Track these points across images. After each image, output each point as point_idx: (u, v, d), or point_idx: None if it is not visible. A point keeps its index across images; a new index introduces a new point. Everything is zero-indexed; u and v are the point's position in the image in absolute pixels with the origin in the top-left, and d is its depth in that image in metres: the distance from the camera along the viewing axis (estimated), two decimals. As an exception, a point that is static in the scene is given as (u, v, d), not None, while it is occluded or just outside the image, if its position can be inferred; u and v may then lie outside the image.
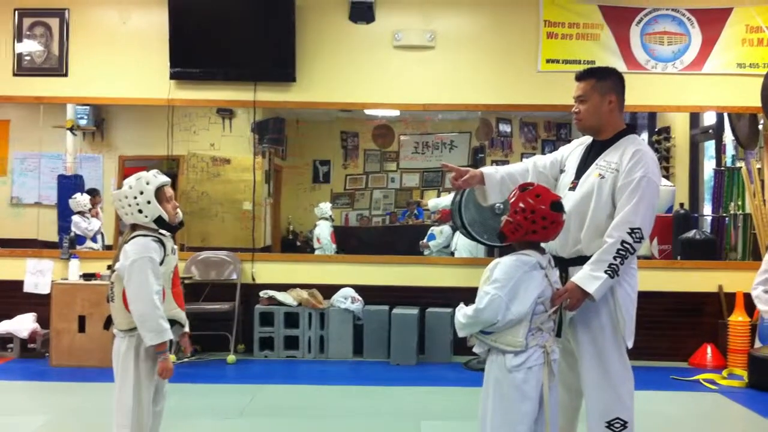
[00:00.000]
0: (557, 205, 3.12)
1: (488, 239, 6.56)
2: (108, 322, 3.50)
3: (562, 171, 3.69)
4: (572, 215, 3.40)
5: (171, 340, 3.42)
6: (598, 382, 3.44)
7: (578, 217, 3.44)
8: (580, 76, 3.63)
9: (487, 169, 3.68)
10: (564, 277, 3.40)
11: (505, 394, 3.06)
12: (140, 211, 3.38)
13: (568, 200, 3.44)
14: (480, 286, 3.13)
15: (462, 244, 7.99)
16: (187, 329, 3.61)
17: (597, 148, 3.57)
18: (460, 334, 3.19)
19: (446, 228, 8.39)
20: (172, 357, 3.42)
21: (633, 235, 3.29)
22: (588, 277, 3.29)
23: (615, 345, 3.44)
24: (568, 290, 3.27)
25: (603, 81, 3.58)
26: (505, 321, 3.01)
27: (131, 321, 3.35)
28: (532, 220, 3.05)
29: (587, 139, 3.69)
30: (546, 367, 3.07)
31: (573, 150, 3.72)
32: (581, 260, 3.41)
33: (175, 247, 3.54)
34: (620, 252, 3.28)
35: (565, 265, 3.46)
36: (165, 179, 3.47)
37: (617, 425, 3.42)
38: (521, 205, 3.08)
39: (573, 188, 3.52)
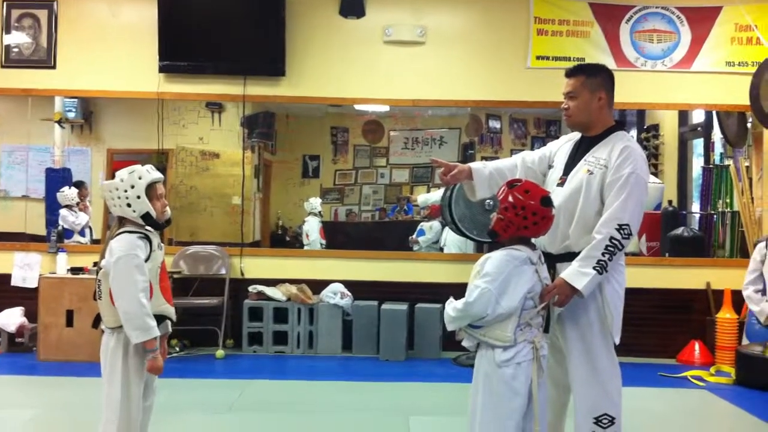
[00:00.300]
0: (547, 200, 3.14)
1: (478, 235, 6.56)
2: (96, 321, 3.48)
3: (550, 167, 3.71)
4: (561, 211, 3.42)
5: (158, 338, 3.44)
6: (586, 379, 3.46)
7: (567, 213, 3.45)
8: (570, 73, 3.64)
9: (475, 165, 3.70)
10: (552, 273, 3.41)
11: (495, 390, 3.07)
12: (128, 205, 3.35)
13: (557, 196, 3.44)
14: (470, 280, 3.14)
15: (451, 240, 7.99)
16: (169, 329, 3.57)
17: (586, 144, 3.59)
18: (449, 327, 3.21)
19: (435, 223, 8.39)
20: (161, 352, 3.41)
21: (621, 231, 3.31)
22: (576, 273, 3.31)
23: (603, 341, 3.45)
24: (557, 286, 3.29)
25: (593, 78, 3.59)
26: (495, 315, 3.02)
27: (119, 318, 3.33)
28: (522, 216, 3.07)
29: (576, 135, 3.70)
30: (535, 363, 3.08)
31: (562, 146, 3.73)
32: (570, 256, 3.42)
33: (162, 243, 3.52)
34: (609, 248, 3.29)
35: (553, 261, 3.47)
36: (158, 176, 3.44)
37: (605, 421, 3.44)
38: (511, 200, 3.09)
39: (561, 184, 3.54)
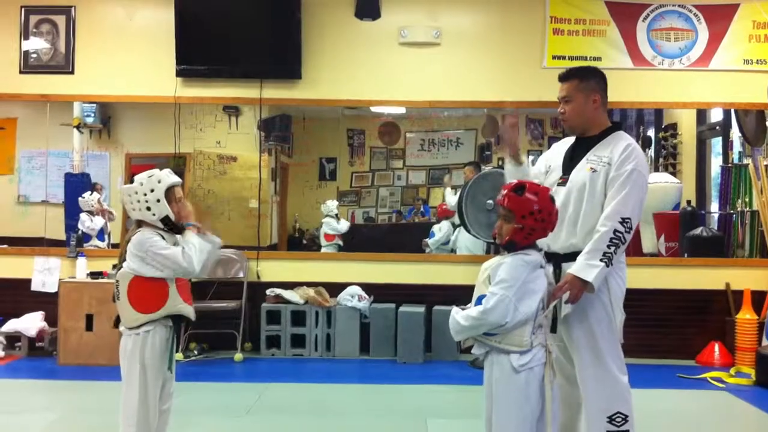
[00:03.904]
0: (552, 198, 3.16)
1: (484, 236, 6.64)
2: (117, 321, 3.52)
3: (546, 172, 3.77)
4: (565, 209, 3.47)
5: (175, 340, 3.49)
6: (596, 378, 3.48)
7: (572, 211, 3.51)
8: (564, 77, 3.73)
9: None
10: (557, 273, 3.46)
11: (510, 396, 3.04)
12: (148, 209, 3.41)
13: (559, 195, 3.51)
14: (478, 286, 3.10)
15: (462, 241, 7.99)
16: (193, 316, 3.63)
17: (584, 144, 3.67)
18: (458, 337, 3.16)
19: (445, 224, 8.39)
20: (179, 356, 3.45)
21: (624, 224, 3.38)
22: (585, 267, 3.35)
23: (611, 340, 3.50)
24: (568, 282, 3.33)
25: (586, 81, 3.68)
26: (515, 322, 2.99)
27: (137, 318, 3.39)
28: (541, 219, 3.06)
29: (569, 140, 3.79)
30: (548, 367, 3.07)
31: (556, 151, 3.81)
32: (576, 255, 3.46)
33: (178, 241, 3.54)
34: (613, 241, 3.36)
35: (559, 260, 3.51)
36: (177, 179, 3.50)
37: (618, 419, 3.46)
38: (528, 207, 3.04)
39: (563, 183, 3.60)
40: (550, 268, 3.28)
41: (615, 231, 3.35)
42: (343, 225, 8.70)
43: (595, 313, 3.45)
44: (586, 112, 3.63)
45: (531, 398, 3.03)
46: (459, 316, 3.08)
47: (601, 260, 3.33)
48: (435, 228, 8.53)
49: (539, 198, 3.07)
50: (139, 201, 3.41)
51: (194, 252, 3.39)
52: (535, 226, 3.05)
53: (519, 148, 3.66)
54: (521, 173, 3.66)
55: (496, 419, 3.07)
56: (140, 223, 3.48)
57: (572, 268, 3.36)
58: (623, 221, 3.37)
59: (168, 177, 3.46)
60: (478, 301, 3.03)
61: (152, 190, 3.41)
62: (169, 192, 3.45)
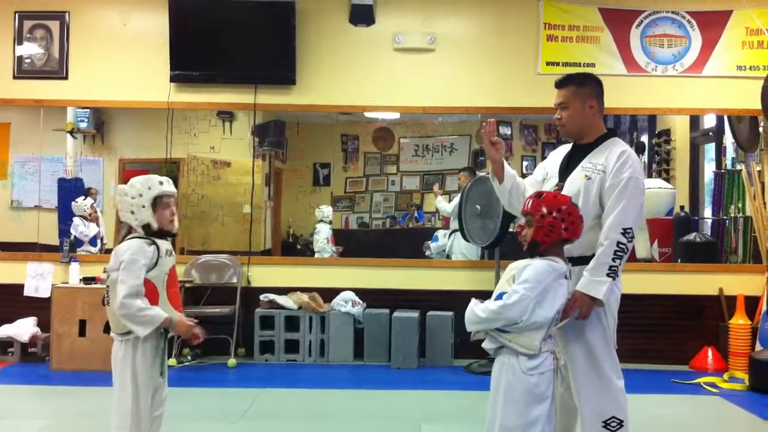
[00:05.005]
0: (574, 203, 3.25)
1: (478, 241, 6.63)
2: (108, 326, 3.51)
3: (544, 179, 3.79)
4: None
5: (167, 346, 3.49)
6: (592, 384, 3.50)
7: None
8: (560, 84, 3.74)
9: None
10: None
11: (518, 398, 3.06)
12: (132, 212, 3.40)
13: None
14: (501, 284, 3.15)
15: (457, 247, 7.99)
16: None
17: (580, 151, 3.68)
18: (473, 328, 3.18)
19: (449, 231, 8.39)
20: (172, 361, 3.44)
21: (626, 235, 3.40)
22: (592, 283, 3.38)
23: (606, 346, 3.51)
24: (577, 300, 3.35)
25: (583, 87, 3.69)
26: (529, 322, 3.02)
27: (126, 325, 3.36)
28: (561, 219, 3.13)
29: (567, 147, 3.80)
30: (557, 374, 3.08)
31: (555, 158, 3.82)
32: (569, 261, 3.46)
33: (171, 249, 3.53)
34: (617, 253, 3.38)
35: None
36: (168, 190, 3.47)
37: (614, 424, 3.48)
38: (546, 207, 3.15)
39: (559, 190, 3.60)
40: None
41: (618, 243, 3.37)
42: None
43: (590, 320, 3.46)
44: (583, 118, 3.65)
45: (540, 401, 3.05)
46: (477, 308, 3.12)
47: (608, 275, 3.37)
48: (439, 233, 8.53)
49: (557, 200, 3.19)
50: (126, 203, 3.41)
51: (140, 314, 3.31)
52: (554, 223, 3.12)
53: (503, 162, 3.63)
54: (501, 191, 3.68)
55: (501, 419, 3.08)
56: (129, 230, 3.48)
57: (579, 285, 3.39)
58: (625, 232, 3.39)
59: (160, 185, 3.43)
60: (499, 297, 3.07)
61: (140, 195, 3.39)
62: (159, 201, 3.43)
